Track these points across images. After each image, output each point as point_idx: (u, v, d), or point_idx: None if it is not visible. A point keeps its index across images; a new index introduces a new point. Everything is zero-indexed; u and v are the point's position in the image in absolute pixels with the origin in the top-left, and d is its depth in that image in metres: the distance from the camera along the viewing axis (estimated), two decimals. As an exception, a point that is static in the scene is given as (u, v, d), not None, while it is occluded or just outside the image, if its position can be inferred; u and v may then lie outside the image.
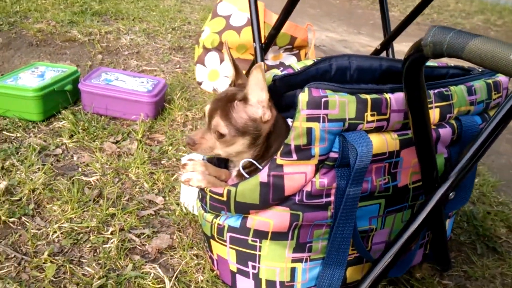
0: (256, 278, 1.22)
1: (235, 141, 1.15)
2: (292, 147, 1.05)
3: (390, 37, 2.21)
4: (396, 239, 1.11)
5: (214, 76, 2.57)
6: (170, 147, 1.95)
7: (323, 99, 1.02)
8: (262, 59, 1.93)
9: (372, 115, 1.08)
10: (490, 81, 1.32)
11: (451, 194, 1.09)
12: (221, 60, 2.54)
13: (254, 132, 1.15)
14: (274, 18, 2.49)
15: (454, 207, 1.40)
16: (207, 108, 1.19)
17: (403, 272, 1.39)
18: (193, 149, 1.18)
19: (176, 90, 2.49)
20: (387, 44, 2.23)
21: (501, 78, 1.36)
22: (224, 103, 1.16)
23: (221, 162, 1.32)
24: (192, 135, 1.18)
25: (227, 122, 1.14)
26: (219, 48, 2.52)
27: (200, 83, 2.63)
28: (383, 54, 2.27)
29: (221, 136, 1.15)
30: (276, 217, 1.13)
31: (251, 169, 1.20)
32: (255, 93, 1.12)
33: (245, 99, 1.14)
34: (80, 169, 1.72)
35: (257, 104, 1.14)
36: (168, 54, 3.06)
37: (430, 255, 1.49)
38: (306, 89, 1.03)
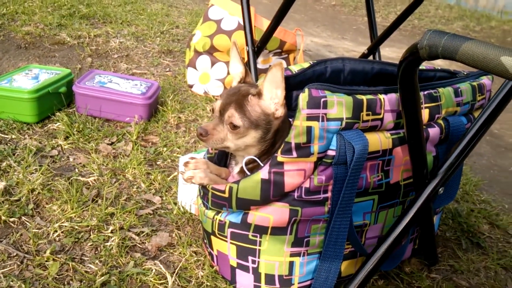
0: (256, 272, 1.27)
1: (247, 133, 1.19)
2: (293, 145, 1.10)
3: (376, 42, 2.28)
4: (388, 233, 1.17)
5: (205, 79, 2.61)
6: (165, 149, 1.99)
7: (322, 99, 1.08)
8: (255, 63, 1.98)
9: (368, 114, 1.14)
10: (475, 83, 1.39)
11: (440, 190, 1.15)
12: (212, 63, 2.58)
13: (265, 127, 1.20)
14: (263, 22, 2.54)
15: (442, 203, 1.47)
16: (218, 103, 1.23)
17: (395, 266, 1.45)
18: (204, 140, 1.21)
19: (168, 92, 2.52)
20: (374, 49, 2.30)
21: (485, 80, 1.43)
22: (238, 97, 1.20)
23: (221, 161, 1.37)
24: (204, 126, 1.21)
25: (242, 115, 1.18)
26: (210, 51, 2.56)
27: (191, 86, 2.67)
28: (370, 58, 2.34)
29: (234, 127, 1.19)
30: (276, 213, 1.18)
31: (252, 166, 1.25)
32: (270, 90, 1.17)
33: (259, 94, 1.19)
34: (77, 170, 1.75)
35: (270, 100, 1.19)
36: (158, 58, 3.10)
37: (419, 250, 1.55)
38: (306, 89, 1.08)
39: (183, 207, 1.62)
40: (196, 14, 4.36)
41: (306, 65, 1.33)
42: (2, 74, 2.28)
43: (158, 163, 1.89)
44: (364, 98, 1.13)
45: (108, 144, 1.94)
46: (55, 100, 2.09)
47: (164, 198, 1.67)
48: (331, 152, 1.13)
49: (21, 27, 3.14)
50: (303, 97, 1.08)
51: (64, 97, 2.14)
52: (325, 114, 1.09)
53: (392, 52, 4.55)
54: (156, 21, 3.88)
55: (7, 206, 1.49)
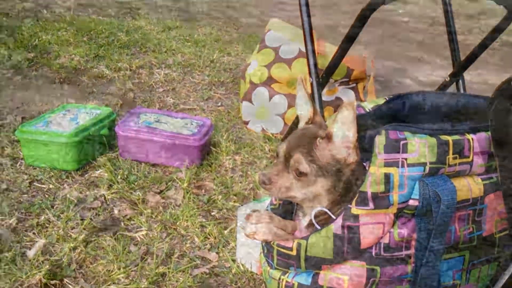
0: None
1: (316, 181, 1.24)
2: (369, 194, 1.15)
3: (460, 66, 2.25)
4: (486, 296, 1.19)
5: (263, 114, 2.71)
6: (220, 196, 2.08)
7: (402, 142, 1.13)
8: (320, 96, 2.05)
9: (454, 158, 1.18)
10: None
11: (545, 244, 1.17)
12: (270, 96, 2.68)
13: (336, 174, 1.24)
14: (326, 47, 2.62)
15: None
16: (282, 146, 1.29)
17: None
18: (267, 189, 1.27)
19: (221, 131, 2.64)
20: (457, 75, 2.26)
21: None
22: (306, 141, 1.26)
23: (286, 213, 1.43)
24: (267, 172, 1.27)
25: (309, 160, 1.23)
26: (267, 83, 2.66)
27: (246, 123, 2.78)
28: (453, 86, 2.30)
29: (301, 174, 1.24)
30: (351, 273, 1.22)
31: (323, 219, 1.30)
32: (341, 132, 1.21)
33: (328, 137, 1.23)
34: (123, 223, 1.86)
35: (341, 144, 1.23)
36: (208, 90, 3.23)
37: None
38: (383, 131, 1.14)
39: (242, 264, 1.69)
40: (249, 39, 4.50)
41: (381, 101, 1.39)
42: (37, 116, 2.44)
43: (212, 213, 1.98)
44: (449, 139, 1.17)
45: (156, 192, 2.05)
46: (96, 144, 2.23)
47: (221, 255, 1.75)
48: (413, 202, 1.16)
49: (55, 59, 3.35)
50: (379, 141, 1.13)
51: (106, 140, 2.27)
52: (406, 159, 1.14)
53: (476, 76, 4.46)
54: (205, 48, 4.04)
55: (47, 266, 1.60)
